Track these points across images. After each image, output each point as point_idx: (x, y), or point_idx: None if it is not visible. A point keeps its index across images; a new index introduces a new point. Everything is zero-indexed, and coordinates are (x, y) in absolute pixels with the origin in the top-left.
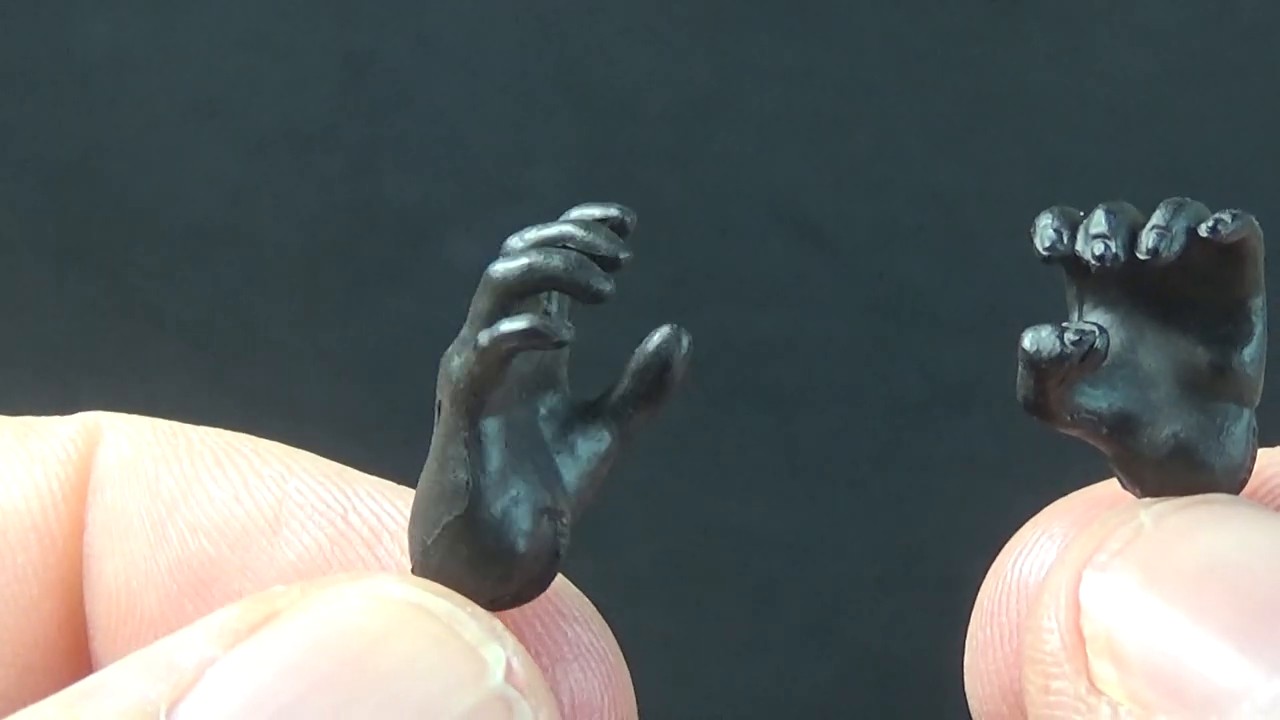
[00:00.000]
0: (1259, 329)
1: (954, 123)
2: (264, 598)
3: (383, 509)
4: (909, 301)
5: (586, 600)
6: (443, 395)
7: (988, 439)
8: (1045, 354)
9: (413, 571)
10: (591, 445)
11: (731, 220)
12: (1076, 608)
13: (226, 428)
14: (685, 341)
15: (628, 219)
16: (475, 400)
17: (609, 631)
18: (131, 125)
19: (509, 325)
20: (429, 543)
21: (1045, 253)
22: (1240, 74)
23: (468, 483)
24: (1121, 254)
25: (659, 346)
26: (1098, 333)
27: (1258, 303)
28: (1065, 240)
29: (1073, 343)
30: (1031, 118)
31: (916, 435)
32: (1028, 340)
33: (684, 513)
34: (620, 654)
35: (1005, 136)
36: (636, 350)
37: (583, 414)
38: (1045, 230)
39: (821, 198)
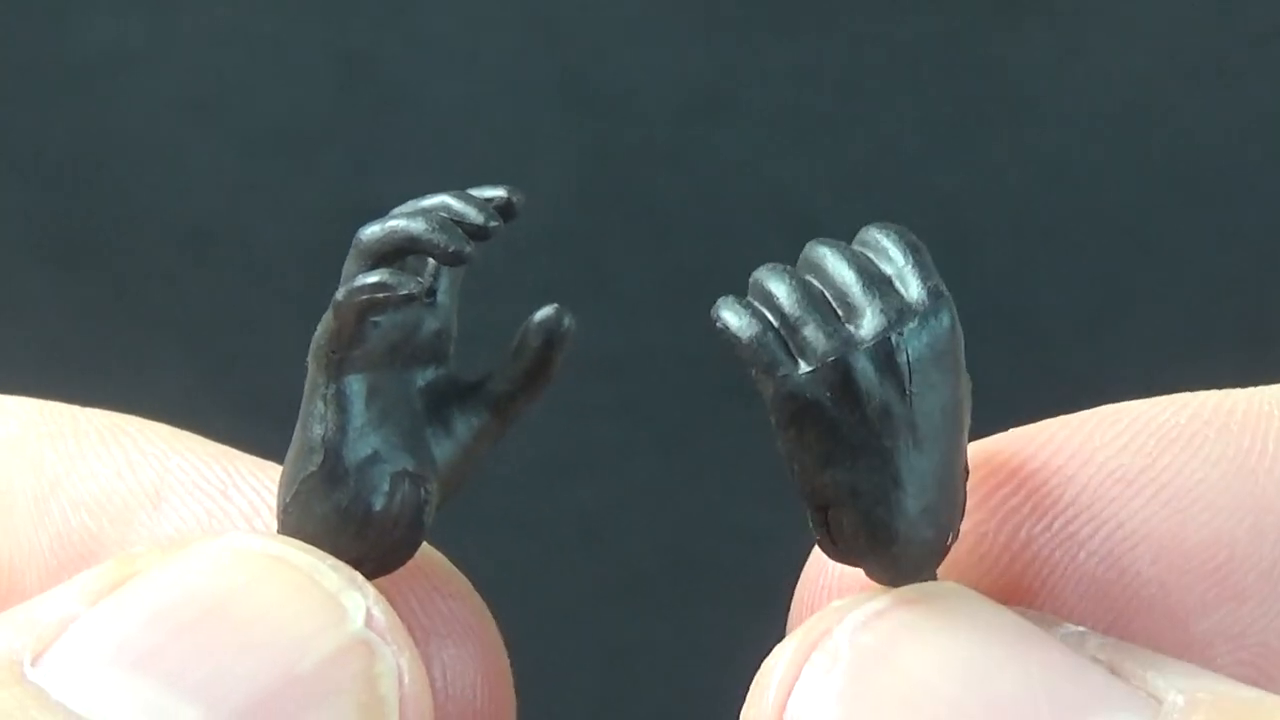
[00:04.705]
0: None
1: (954, 123)
2: (125, 558)
3: (263, 485)
4: None
5: (464, 578)
6: (309, 355)
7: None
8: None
9: (277, 532)
10: (469, 421)
11: (731, 220)
12: None
13: (226, 427)
14: (567, 321)
15: (514, 199)
16: (334, 357)
17: (487, 611)
18: (131, 125)
19: (360, 279)
20: (288, 500)
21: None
22: (1240, 74)
23: (323, 437)
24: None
25: (540, 325)
26: None
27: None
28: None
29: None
30: (1031, 118)
31: None
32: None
33: (684, 513)
34: (498, 634)
35: (1005, 136)
36: (519, 329)
37: (463, 391)
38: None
39: (821, 198)
